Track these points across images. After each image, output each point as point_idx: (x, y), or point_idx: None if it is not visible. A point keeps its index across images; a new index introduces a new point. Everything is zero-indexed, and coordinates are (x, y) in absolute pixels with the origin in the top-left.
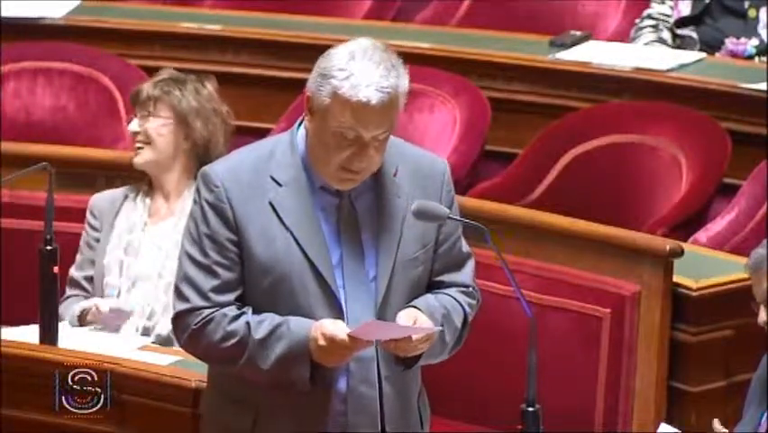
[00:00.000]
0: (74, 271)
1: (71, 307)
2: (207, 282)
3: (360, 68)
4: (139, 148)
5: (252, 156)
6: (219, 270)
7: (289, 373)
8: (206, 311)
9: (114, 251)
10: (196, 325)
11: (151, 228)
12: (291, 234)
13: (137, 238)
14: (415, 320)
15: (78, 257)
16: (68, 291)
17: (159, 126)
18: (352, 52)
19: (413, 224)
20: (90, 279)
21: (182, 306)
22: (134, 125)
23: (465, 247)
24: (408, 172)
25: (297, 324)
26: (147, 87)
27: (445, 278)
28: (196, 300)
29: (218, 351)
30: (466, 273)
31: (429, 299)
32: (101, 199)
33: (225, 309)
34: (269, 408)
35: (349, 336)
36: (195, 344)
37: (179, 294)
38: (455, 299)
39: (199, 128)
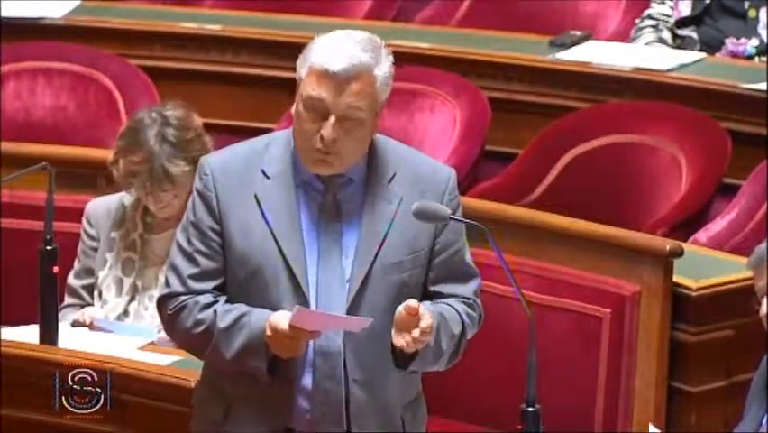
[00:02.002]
0: (72, 280)
1: (66, 316)
2: (188, 269)
3: (333, 40)
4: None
5: (248, 148)
6: (199, 258)
7: (248, 363)
8: (182, 297)
9: (111, 268)
10: (171, 310)
11: (149, 240)
12: (269, 227)
13: (134, 256)
14: (416, 309)
15: (76, 265)
16: (67, 300)
17: (184, 197)
18: (336, 33)
19: (402, 229)
20: (87, 287)
21: (163, 290)
22: (167, 213)
23: (471, 265)
24: (407, 178)
25: (259, 315)
26: (157, 167)
27: (444, 288)
28: (176, 286)
29: (189, 337)
30: (468, 288)
31: (426, 305)
32: (97, 208)
33: (199, 297)
34: (239, 399)
35: (289, 325)
36: (170, 329)
37: (165, 279)
38: (454, 308)
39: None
